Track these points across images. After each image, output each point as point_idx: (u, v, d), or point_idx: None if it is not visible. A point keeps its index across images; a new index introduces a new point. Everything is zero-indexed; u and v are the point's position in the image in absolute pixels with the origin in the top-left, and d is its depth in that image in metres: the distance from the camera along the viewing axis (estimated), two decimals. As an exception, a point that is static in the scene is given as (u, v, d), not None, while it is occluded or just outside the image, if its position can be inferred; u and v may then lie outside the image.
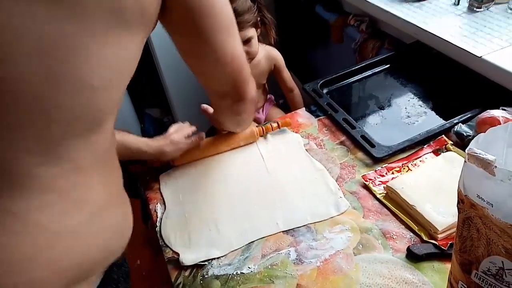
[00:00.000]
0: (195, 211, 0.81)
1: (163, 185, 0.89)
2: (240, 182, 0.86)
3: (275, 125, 0.96)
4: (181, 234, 0.77)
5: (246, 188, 0.84)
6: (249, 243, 0.74)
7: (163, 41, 1.71)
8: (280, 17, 2.03)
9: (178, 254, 0.74)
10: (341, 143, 0.91)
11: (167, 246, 0.76)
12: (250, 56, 1.38)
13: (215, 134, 0.96)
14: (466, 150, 0.44)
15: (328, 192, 0.80)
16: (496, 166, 0.41)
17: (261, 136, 0.96)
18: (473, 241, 0.48)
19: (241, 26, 1.27)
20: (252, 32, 1.35)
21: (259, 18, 1.39)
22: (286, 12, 2.03)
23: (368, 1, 1.26)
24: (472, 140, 0.45)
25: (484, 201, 0.44)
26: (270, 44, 1.52)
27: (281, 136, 0.97)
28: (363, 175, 0.81)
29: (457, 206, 0.49)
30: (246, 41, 1.32)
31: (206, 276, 0.70)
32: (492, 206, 0.43)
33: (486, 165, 0.42)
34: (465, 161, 0.45)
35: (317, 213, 0.77)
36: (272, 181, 0.85)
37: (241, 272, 0.69)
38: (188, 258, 0.73)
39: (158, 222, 0.82)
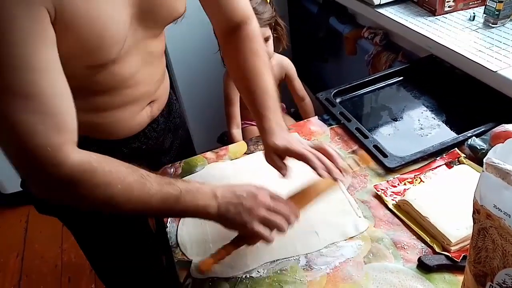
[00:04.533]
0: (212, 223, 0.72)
1: None
2: None
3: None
4: (198, 244, 0.76)
5: None
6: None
7: (177, 46, 1.74)
8: (294, 27, 2.05)
9: (187, 258, 0.74)
10: (353, 152, 0.92)
11: (178, 247, 0.76)
12: None
13: (227, 141, 0.91)
14: (484, 160, 0.44)
15: (347, 211, 0.77)
16: (515, 176, 0.41)
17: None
18: (488, 252, 0.47)
19: (260, 23, 1.31)
20: (269, 32, 1.38)
21: (273, 23, 1.42)
22: (299, 23, 2.05)
23: (382, 14, 1.27)
24: (490, 150, 0.45)
25: (501, 211, 0.44)
26: (282, 51, 1.54)
27: None
28: (375, 185, 0.81)
29: (473, 216, 0.49)
30: (265, 40, 1.34)
31: (215, 278, 0.70)
32: (509, 217, 0.43)
33: (504, 175, 0.42)
34: (482, 171, 0.45)
35: (336, 234, 0.74)
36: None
37: (250, 276, 0.69)
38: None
39: (168, 222, 0.82)
